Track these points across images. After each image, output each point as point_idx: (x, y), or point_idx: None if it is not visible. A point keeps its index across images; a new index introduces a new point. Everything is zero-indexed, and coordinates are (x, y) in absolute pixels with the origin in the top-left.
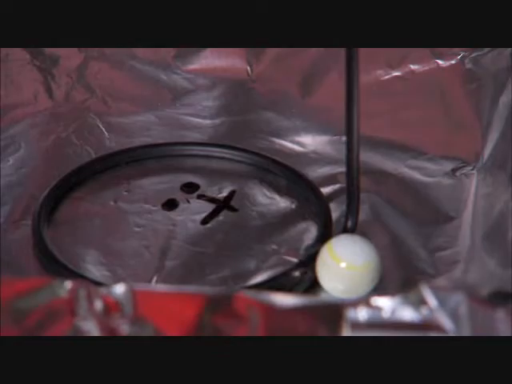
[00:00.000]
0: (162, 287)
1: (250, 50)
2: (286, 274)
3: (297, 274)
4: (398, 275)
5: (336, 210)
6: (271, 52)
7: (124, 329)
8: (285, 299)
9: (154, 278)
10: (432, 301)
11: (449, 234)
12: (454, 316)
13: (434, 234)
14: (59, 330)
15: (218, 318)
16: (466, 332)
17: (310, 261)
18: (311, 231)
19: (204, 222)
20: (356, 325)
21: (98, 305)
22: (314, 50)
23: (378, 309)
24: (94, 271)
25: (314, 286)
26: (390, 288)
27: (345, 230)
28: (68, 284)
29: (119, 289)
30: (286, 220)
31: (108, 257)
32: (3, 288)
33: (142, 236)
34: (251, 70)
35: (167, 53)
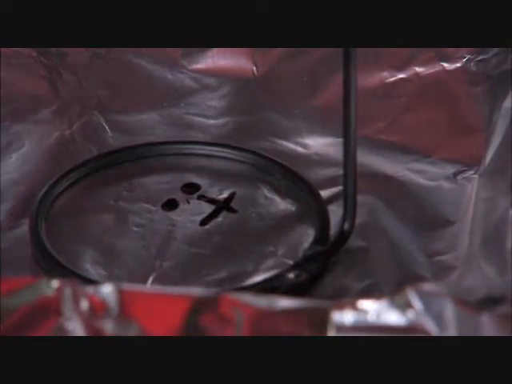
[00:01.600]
0: (148, 288)
1: (256, 50)
2: (279, 276)
3: (291, 275)
4: (394, 279)
5: (337, 213)
6: (277, 52)
7: (109, 329)
8: (270, 301)
9: (151, 278)
10: (417, 304)
11: (448, 238)
12: (438, 320)
13: (433, 239)
14: (43, 329)
15: (204, 320)
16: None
17: (304, 263)
18: (309, 234)
19: (203, 223)
20: (341, 328)
21: (84, 304)
22: (319, 50)
23: (364, 312)
24: (91, 270)
25: (308, 288)
26: (386, 292)
27: (341, 232)
28: (54, 283)
29: (106, 288)
30: (284, 222)
31: (105, 256)
32: None
33: (140, 236)
34: (257, 70)
35: (173, 52)
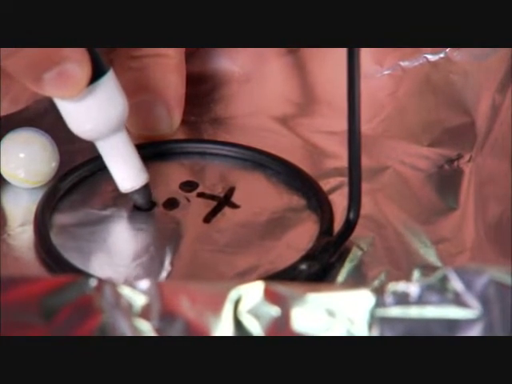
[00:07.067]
0: (187, 282)
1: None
2: (292, 268)
3: (303, 267)
4: (405, 266)
5: (342, 203)
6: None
7: (153, 325)
8: None
9: (164, 278)
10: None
11: (451, 224)
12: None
13: (436, 226)
14: (87, 328)
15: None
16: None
17: (315, 253)
18: (313, 225)
19: (206, 219)
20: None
21: (124, 302)
22: None
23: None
24: (100, 274)
25: (320, 278)
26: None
27: (347, 221)
28: (93, 281)
29: (144, 285)
30: (288, 215)
31: (112, 258)
32: (31, 286)
33: (145, 237)
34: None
35: None
